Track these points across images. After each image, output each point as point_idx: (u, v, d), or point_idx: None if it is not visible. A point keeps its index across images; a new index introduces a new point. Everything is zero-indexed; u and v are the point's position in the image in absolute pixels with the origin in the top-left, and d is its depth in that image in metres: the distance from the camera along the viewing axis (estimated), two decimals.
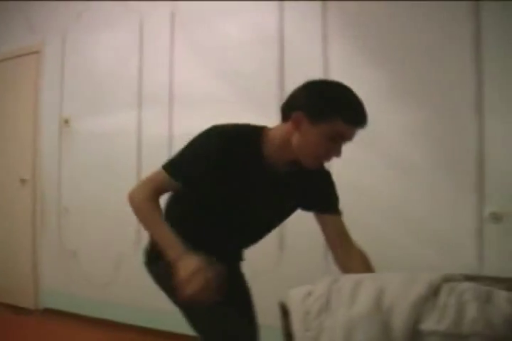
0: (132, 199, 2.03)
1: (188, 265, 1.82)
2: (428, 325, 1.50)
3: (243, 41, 3.81)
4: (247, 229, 2.17)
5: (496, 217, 2.97)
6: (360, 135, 3.24)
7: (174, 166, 1.99)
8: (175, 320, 4.01)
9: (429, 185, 3.13)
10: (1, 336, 4.14)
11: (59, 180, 4.81)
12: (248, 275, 3.19)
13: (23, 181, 5.04)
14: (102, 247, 4.47)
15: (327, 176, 2.22)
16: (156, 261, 2.10)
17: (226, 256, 2.13)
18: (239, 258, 2.37)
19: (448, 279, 1.62)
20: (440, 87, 3.14)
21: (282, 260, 3.59)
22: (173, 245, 1.90)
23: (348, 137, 1.93)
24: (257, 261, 3.58)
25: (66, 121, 4.75)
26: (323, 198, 2.20)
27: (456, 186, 3.08)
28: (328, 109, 1.87)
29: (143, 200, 2.00)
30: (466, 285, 1.59)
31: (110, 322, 4.37)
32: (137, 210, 2.02)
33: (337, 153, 1.96)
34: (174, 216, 2.10)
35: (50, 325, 4.49)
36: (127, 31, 4.39)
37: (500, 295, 1.54)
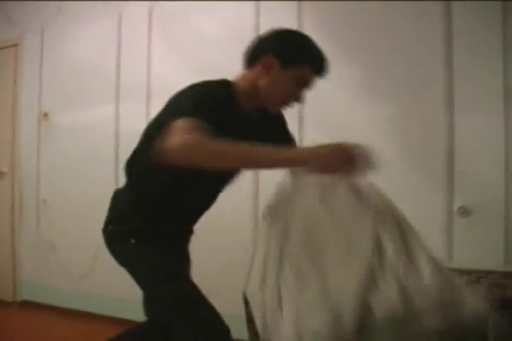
0: (182, 148, 1.64)
1: (325, 147, 1.72)
2: (375, 309, 1.52)
3: (220, 37, 3.84)
4: (218, 188, 2.22)
5: (465, 211, 3.05)
6: (332, 130, 3.32)
7: (185, 110, 1.81)
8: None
9: (398, 180, 3.17)
10: None
11: (37, 172, 4.83)
12: (222, 265, 3.27)
13: (1, 174, 5.05)
14: (79, 239, 4.48)
15: (283, 118, 2.31)
16: (127, 239, 2.05)
17: (193, 225, 2.24)
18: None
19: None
20: (411, 83, 3.21)
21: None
22: (282, 152, 1.73)
23: (309, 85, 2.01)
24: (232, 251, 3.68)
25: (45, 115, 4.76)
26: (287, 139, 2.32)
27: (425, 181, 3.15)
28: (300, 55, 1.95)
29: (194, 140, 1.66)
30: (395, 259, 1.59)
31: (88, 314, 4.40)
32: (200, 151, 1.66)
33: (299, 98, 2.03)
34: (150, 194, 2.07)
35: (29, 317, 4.50)
36: (106, 26, 4.41)
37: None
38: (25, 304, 4.85)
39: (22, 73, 5.05)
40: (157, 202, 2.07)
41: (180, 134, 1.65)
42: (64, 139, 4.67)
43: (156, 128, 1.88)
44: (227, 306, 3.65)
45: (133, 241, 2.04)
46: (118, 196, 2.24)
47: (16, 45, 5.13)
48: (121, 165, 4.20)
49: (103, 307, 4.34)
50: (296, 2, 3.55)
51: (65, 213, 4.61)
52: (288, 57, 1.93)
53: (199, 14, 3.95)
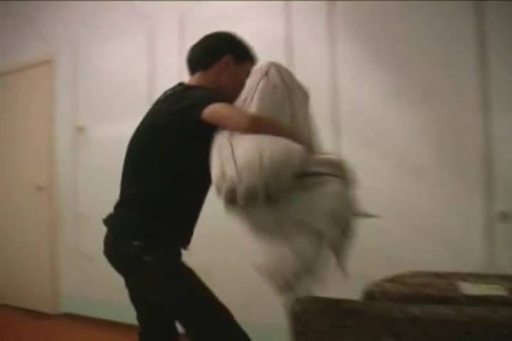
0: (253, 123, 1.93)
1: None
2: None
3: (252, 46, 3.85)
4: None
5: (505, 216, 3.00)
6: (366, 135, 3.30)
7: (213, 98, 2.04)
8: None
9: (436, 185, 3.15)
10: None
11: (75, 186, 4.88)
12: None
13: (39, 188, 5.11)
14: None
15: None
16: (157, 251, 2.11)
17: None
18: None
19: None
20: (446, 86, 3.17)
21: None
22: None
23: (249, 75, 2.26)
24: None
25: (80, 129, 4.82)
26: None
27: (464, 185, 3.11)
28: (247, 51, 2.37)
29: (256, 116, 1.98)
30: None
31: (129, 326, 4.41)
32: (265, 123, 1.96)
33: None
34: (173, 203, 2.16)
35: (69, 330, 4.55)
36: (137, 39, 4.45)
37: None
38: (66, 316, 4.90)
39: (56, 89, 5.11)
40: (179, 211, 2.18)
41: (238, 113, 1.97)
42: (100, 153, 4.71)
43: (174, 131, 2.08)
44: (265, 315, 3.66)
45: (162, 252, 2.12)
46: (129, 212, 2.27)
47: (49, 61, 5.21)
48: None
49: None
50: (326, 11, 3.52)
51: (102, 226, 4.62)
52: (241, 54, 2.34)
53: (229, 23, 3.95)
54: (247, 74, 2.25)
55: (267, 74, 2.11)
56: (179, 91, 2.23)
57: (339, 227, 1.81)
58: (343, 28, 3.48)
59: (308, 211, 1.78)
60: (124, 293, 4.26)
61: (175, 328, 2.40)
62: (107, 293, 4.61)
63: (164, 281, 2.13)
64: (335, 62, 3.48)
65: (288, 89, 2.10)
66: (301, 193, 1.79)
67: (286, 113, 2.04)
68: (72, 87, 4.97)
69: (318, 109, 3.49)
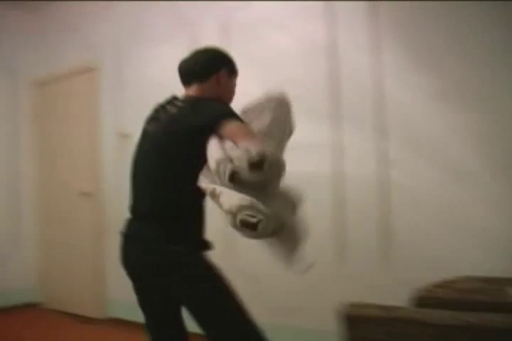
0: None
1: None
2: None
3: (294, 52, 3.85)
4: None
5: None
6: (412, 139, 3.27)
7: (233, 113, 2.33)
8: None
9: (482, 187, 3.11)
10: None
11: (120, 192, 4.91)
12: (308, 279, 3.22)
13: (85, 194, 5.18)
14: None
15: None
16: (191, 253, 2.28)
17: None
18: None
19: None
20: (490, 89, 3.12)
21: (341, 266, 3.60)
22: None
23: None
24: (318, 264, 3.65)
25: (124, 135, 4.86)
26: None
27: (510, 190, 3.06)
28: (235, 66, 2.68)
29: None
30: None
31: None
32: None
33: None
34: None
35: (116, 334, 4.59)
36: (180, 44, 4.47)
37: None
38: (113, 321, 4.95)
39: (101, 96, 5.18)
40: (200, 215, 2.43)
41: (254, 138, 2.14)
42: None
43: (195, 136, 2.25)
44: (312, 320, 3.65)
45: (197, 254, 2.31)
46: (160, 221, 2.33)
47: (94, 68, 5.28)
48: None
49: (190, 324, 4.36)
50: (369, 15, 3.50)
51: None
52: (232, 69, 2.66)
53: (272, 30, 3.96)
54: (235, 85, 2.68)
55: (275, 110, 2.43)
56: (194, 104, 2.41)
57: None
58: (386, 31, 3.46)
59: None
60: None
61: (185, 335, 2.57)
62: None
63: (200, 281, 2.28)
64: (379, 65, 3.45)
65: (286, 126, 2.48)
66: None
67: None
68: (115, 93, 5.03)
69: (363, 112, 3.49)
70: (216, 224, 4.11)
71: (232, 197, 1.99)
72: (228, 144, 2.11)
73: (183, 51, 4.44)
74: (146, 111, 4.67)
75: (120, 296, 4.93)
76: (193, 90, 2.56)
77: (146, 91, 4.76)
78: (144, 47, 4.83)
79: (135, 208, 2.48)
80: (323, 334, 3.59)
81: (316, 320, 3.64)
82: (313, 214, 3.65)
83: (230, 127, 2.19)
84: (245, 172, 1.98)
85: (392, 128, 3.40)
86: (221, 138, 2.18)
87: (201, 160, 2.19)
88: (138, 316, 4.76)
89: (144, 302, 2.60)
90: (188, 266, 2.25)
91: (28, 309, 5.68)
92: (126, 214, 4.84)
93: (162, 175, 2.32)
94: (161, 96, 4.56)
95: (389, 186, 3.39)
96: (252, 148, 1.98)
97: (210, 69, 2.59)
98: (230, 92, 2.65)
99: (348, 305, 2.01)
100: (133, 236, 2.46)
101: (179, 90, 4.42)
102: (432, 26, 3.31)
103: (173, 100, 2.57)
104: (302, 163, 3.73)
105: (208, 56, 2.65)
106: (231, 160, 2.00)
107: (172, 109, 2.47)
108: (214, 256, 4.13)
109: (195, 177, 2.19)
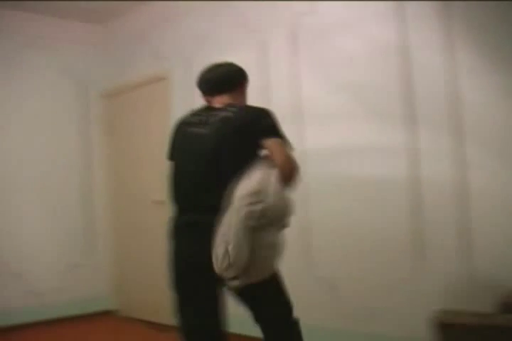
0: (296, 169, 2.63)
1: None
2: None
3: (364, 54, 3.80)
4: None
5: None
6: (488, 138, 3.19)
7: (279, 130, 2.67)
8: (312, 336, 4.06)
9: None
10: None
11: None
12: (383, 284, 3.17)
13: (157, 202, 5.21)
14: None
15: None
16: None
17: None
18: None
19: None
20: None
21: (421, 271, 3.54)
22: None
23: None
24: (393, 269, 3.61)
25: None
26: None
27: None
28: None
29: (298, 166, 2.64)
30: None
31: (249, 338, 4.43)
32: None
33: None
34: None
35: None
36: (251, 51, 4.49)
37: None
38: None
39: (172, 105, 5.23)
40: None
41: (290, 156, 2.60)
42: None
43: (248, 138, 2.59)
44: (391, 327, 3.60)
45: None
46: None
47: (164, 78, 5.34)
48: None
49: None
50: (442, 15, 3.43)
51: None
52: (247, 80, 2.99)
53: (342, 34, 3.93)
54: None
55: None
56: (252, 111, 2.74)
57: None
58: (459, 31, 3.38)
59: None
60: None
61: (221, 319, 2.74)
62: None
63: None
64: (453, 66, 3.38)
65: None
66: None
67: None
68: (186, 102, 5.06)
69: (437, 114, 3.43)
70: (292, 231, 4.11)
71: None
72: (273, 175, 2.47)
73: (251, 58, 4.49)
74: None
75: None
76: (224, 99, 2.83)
77: None
78: (212, 55, 4.85)
79: (189, 202, 2.69)
80: (401, 340, 3.55)
81: (396, 325, 3.59)
82: (391, 219, 3.62)
83: (273, 143, 2.58)
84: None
85: (468, 129, 3.33)
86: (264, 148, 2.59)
87: (251, 158, 2.57)
88: None
89: (192, 287, 2.69)
90: None
91: (104, 317, 5.78)
92: None
93: (219, 177, 2.57)
94: None
95: (467, 188, 3.31)
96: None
97: (237, 80, 2.94)
98: (245, 101, 2.97)
99: (440, 312, 1.97)
100: (201, 225, 2.57)
101: (252, 96, 4.42)
102: (506, 25, 3.23)
103: (211, 108, 2.82)
104: (377, 167, 3.69)
105: (234, 69, 2.99)
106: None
107: (222, 113, 2.69)
108: (290, 262, 4.13)
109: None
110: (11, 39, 5.60)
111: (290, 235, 4.10)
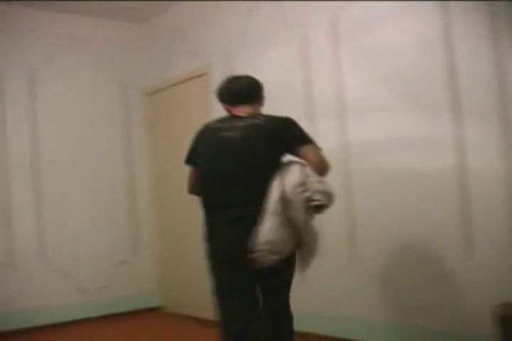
0: (329, 168, 2.94)
1: None
2: None
3: (407, 46, 3.74)
4: None
5: None
6: None
7: (309, 137, 3.00)
8: (358, 328, 4.04)
9: None
10: None
11: None
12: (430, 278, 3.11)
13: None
14: None
15: None
16: None
17: None
18: None
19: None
20: None
21: (470, 265, 3.48)
22: None
23: None
24: (442, 263, 3.55)
25: None
26: None
27: None
28: None
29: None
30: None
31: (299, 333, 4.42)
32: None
33: None
34: None
35: None
36: (291, 46, 4.47)
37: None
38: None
39: (213, 102, 5.23)
40: None
41: (323, 157, 2.92)
42: None
43: (281, 144, 2.95)
44: (444, 321, 3.54)
45: None
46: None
47: (204, 74, 5.35)
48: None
49: (311, 324, 4.35)
50: (486, 4, 3.36)
51: None
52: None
53: (384, 26, 3.87)
54: None
55: None
56: (276, 120, 3.04)
57: None
58: (504, 18, 3.27)
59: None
60: (295, 301, 4.33)
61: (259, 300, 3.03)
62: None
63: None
64: (500, 56, 3.30)
65: None
66: None
67: None
68: None
69: (485, 104, 3.35)
70: (337, 224, 4.09)
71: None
72: (309, 171, 2.83)
73: (292, 53, 4.47)
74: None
75: None
76: (246, 109, 3.10)
77: None
78: (252, 51, 4.86)
79: (228, 199, 2.93)
80: (453, 334, 3.49)
81: (447, 320, 3.54)
82: (438, 212, 3.56)
83: (307, 151, 2.90)
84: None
85: None
86: (297, 154, 2.93)
87: (278, 159, 2.96)
88: None
89: (235, 273, 2.93)
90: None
91: (151, 313, 5.83)
92: None
93: (255, 176, 2.90)
94: (273, 98, 4.58)
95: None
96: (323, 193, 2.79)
97: (258, 93, 3.23)
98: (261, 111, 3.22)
99: (500, 305, 1.92)
100: (242, 218, 2.86)
101: (292, 92, 4.43)
102: None
103: (236, 116, 3.09)
104: (423, 160, 3.64)
105: (255, 82, 3.25)
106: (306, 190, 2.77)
107: (251, 121, 3.00)
108: (336, 256, 4.11)
109: (272, 173, 2.86)
110: (54, 40, 5.68)
111: (335, 228, 4.12)
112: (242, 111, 3.09)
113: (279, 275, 2.99)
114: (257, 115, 3.07)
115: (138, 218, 6.06)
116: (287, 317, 3.19)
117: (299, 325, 4.37)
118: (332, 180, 3.81)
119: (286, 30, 4.52)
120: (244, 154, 2.93)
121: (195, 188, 3.21)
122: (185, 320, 5.43)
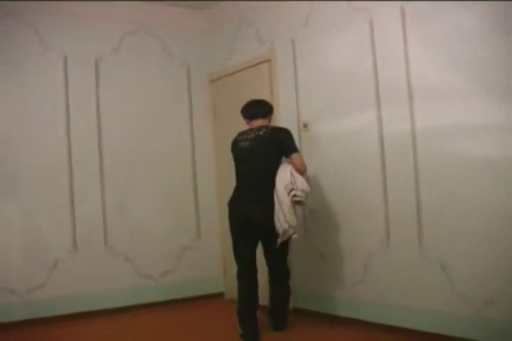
0: (306, 170, 4.20)
1: None
2: None
3: (479, 29, 3.60)
4: None
5: None
6: None
7: (296, 147, 4.26)
8: (426, 319, 3.96)
9: None
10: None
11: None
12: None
13: None
14: (349, 247, 4.53)
15: None
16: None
17: None
18: None
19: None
20: None
21: None
22: None
23: None
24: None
25: (305, 125, 4.89)
26: None
27: None
28: None
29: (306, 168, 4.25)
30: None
31: (362, 322, 4.37)
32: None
33: None
34: None
35: (301, 325, 4.60)
36: (357, 31, 4.37)
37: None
38: (298, 312, 4.96)
39: (277, 87, 5.20)
40: None
41: (303, 161, 4.18)
42: (326, 148, 4.73)
43: (279, 150, 4.24)
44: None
45: None
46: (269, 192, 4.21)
47: (268, 60, 5.31)
48: (388, 171, 4.14)
49: (377, 314, 4.30)
50: None
51: (332, 221, 4.66)
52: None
53: (454, 9, 3.74)
54: None
55: None
56: (276, 130, 4.31)
57: None
58: None
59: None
60: (358, 289, 4.26)
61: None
62: (338, 288, 4.61)
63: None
64: None
65: None
66: None
67: None
68: (293, 84, 5.02)
69: None
70: (406, 216, 4.00)
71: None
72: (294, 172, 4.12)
73: (358, 37, 4.38)
74: (324, 99, 4.67)
75: (305, 287, 4.96)
76: (261, 122, 4.40)
77: (323, 80, 4.74)
78: (316, 36, 4.79)
79: (243, 194, 4.37)
80: None
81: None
82: (509, 201, 3.45)
83: (296, 156, 4.17)
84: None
85: None
86: (287, 157, 4.23)
87: (278, 160, 4.24)
88: (323, 307, 4.78)
89: (246, 235, 4.33)
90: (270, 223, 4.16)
91: (213, 299, 5.87)
92: (309, 204, 4.71)
93: (258, 173, 4.27)
94: (339, 84, 4.53)
95: None
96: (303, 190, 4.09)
97: (271, 111, 4.51)
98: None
99: None
100: (250, 205, 4.25)
101: (358, 77, 4.33)
102: None
103: (251, 129, 4.39)
104: (494, 147, 3.52)
105: (268, 103, 4.58)
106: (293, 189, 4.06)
107: (257, 132, 4.30)
108: (402, 245, 4.03)
109: (275, 173, 4.19)
110: (121, 26, 5.74)
111: (402, 217, 4.05)
112: (255, 124, 4.39)
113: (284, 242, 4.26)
114: (262, 127, 4.31)
115: (201, 203, 6.07)
116: (285, 268, 4.49)
117: (367, 315, 4.36)
118: (399, 168, 3.70)
119: (353, 15, 4.43)
120: (251, 158, 4.30)
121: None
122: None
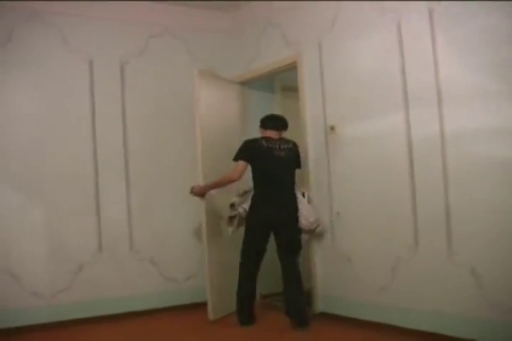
0: None
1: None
2: None
3: (504, 30, 3.55)
4: None
5: None
6: None
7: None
8: (455, 324, 3.89)
9: None
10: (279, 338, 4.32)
11: (329, 185, 4.89)
12: None
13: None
14: (376, 251, 4.48)
15: None
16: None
17: None
18: None
19: None
20: None
21: None
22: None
23: None
24: None
25: (332, 128, 4.84)
26: None
27: None
28: None
29: None
30: None
31: (389, 326, 4.32)
32: None
33: None
34: None
35: (326, 329, 4.58)
36: (384, 33, 4.32)
37: None
38: (323, 316, 4.94)
39: (304, 89, 5.16)
40: None
41: None
42: (352, 151, 4.70)
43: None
44: None
45: None
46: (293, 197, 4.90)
47: (294, 62, 5.28)
48: (416, 174, 4.08)
49: (404, 319, 4.24)
50: None
51: (359, 225, 4.62)
52: None
53: (481, 10, 3.68)
54: None
55: None
56: (296, 146, 4.96)
57: None
58: None
59: None
60: (385, 294, 4.19)
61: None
62: (365, 293, 4.56)
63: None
64: None
65: None
66: None
67: None
68: (319, 86, 4.99)
69: None
70: (434, 220, 3.94)
71: None
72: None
73: (386, 39, 4.32)
74: (351, 101, 4.63)
75: (331, 291, 4.94)
76: (277, 134, 4.89)
77: (350, 83, 4.71)
78: (343, 38, 4.75)
79: (277, 196, 4.78)
80: None
81: None
82: None
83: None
84: None
85: None
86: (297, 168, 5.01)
87: (297, 167, 5.00)
88: (349, 311, 4.73)
89: (268, 232, 4.83)
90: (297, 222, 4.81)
91: None
92: (335, 207, 4.71)
93: (291, 179, 4.86)
94: (366, 86, 4.48)
95: None
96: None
97: (287, 126, 4.95)
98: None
99: None
100: (284, 207, 4.78)
101: (386, 79, 4.28)
102: None
103: (276, 139, 4.85)
104: None
105: (285, 119, 4.97)
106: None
107: (286, 144, 4.87)
108: (430, 250, 3.97)
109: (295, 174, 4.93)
110: (144, 29, 5.76)
111: (431, 221, 3.99)
112: (276, 135, 4.87)
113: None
114: (287, 140, 4.89)
115: None
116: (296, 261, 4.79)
117: (395, 319, 4.31)
118: (427, 172, 3.64)
119: (380, 16, 4.38)
120: (285, 167, 4.82)
121: (241, 176, 4.77)
122: (271, 308, 5.45)
